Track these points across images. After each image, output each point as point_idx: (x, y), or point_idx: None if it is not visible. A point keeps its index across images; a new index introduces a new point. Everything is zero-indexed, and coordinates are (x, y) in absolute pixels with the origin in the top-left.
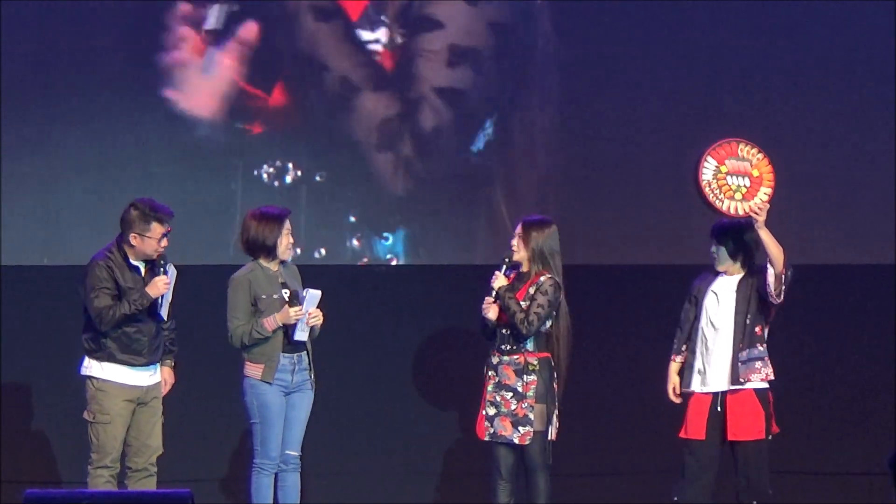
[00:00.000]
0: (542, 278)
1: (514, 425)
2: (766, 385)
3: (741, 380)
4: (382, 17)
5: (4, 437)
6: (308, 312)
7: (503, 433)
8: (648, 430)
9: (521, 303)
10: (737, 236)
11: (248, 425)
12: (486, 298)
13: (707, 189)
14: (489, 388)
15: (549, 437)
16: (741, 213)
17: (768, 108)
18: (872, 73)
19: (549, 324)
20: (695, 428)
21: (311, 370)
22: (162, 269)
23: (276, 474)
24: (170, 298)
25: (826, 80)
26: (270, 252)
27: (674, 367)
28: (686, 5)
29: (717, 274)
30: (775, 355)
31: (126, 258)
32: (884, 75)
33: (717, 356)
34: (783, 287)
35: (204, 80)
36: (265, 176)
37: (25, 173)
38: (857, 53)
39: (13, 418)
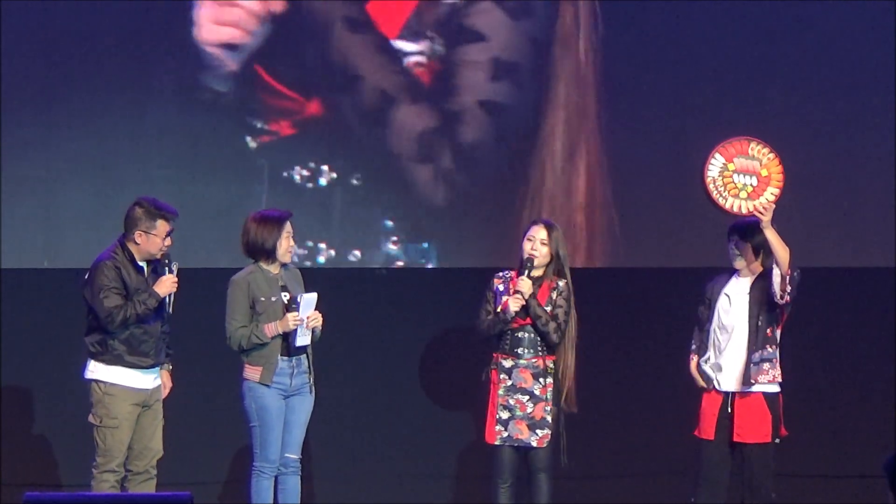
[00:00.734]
0: (562, 283)
1: (532, 428)
2: (775, 387)
3: (751, 381)
4: (423, 29)
5: (4, 439)
6: (307, 317)
7: (519, 436)
8: (656, 431)
9: (546, 308)
10: (761, 235)
11: (247, 428)
12: (512, 297)
13: (711, 186)
14: (500, 391)
15: (561, 440)
16: (745, 211)
17: (768, 109)
18: (873, 75)
19: None
20: (706, 428)
21: (310, 373)
22: (168, 268)
23: (277, 477)
24: (173, 298)
25: (826, 82)
26: (270, 255)
27: (693, 364)
28: (685, 6)
29: (730, 276)
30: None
31: (131, 258)
32: (884, 76)
33: (729, 358)
34: (789, 288)
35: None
36: (297, 177)
37: (25, 176)
38: (858, 54)
39: (13, 421)
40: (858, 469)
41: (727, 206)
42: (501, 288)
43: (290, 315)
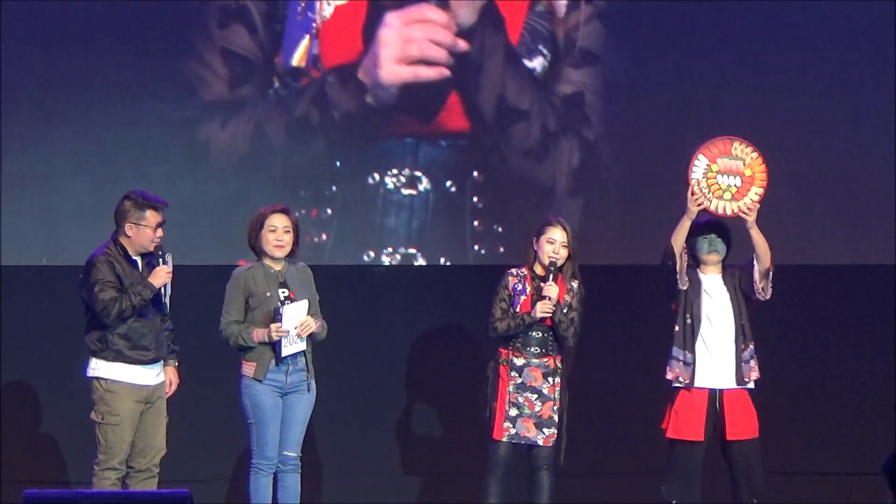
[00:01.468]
0: (575, 284)
1: (539, 427)
2: (753, 383)
3: (745, 379)
4: (540, 46)
5: (5, 437)
6: (296, 327)
7: (526, 434)
8: (644, 429)
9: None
10: (728, 232)
11: (245, 425)
12: (542, 302)
13: (696, 188)
14: (510, 388)
15: (562, 440)
16: (729, 212)
17: (767, 107)
18: (872, 73)
19: None
20: (692, 429)
21: (308, 372)
22: (161, 259)
23: (276, 475)
24: (170, 290)
25: (826, 79)
26: (258, 251)
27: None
28: (685, 6)
29: (695, 270)
30: (776, 356)
31: (125, 253)
32: (884, 73)
33: (717, 354)
34: (770, 284)
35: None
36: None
37: (25, 173)
38: (857, 53)
39: (13, 418)
40: (858, 467)
41: (712, 208)
42: (519, 287)
43: (273, 326)
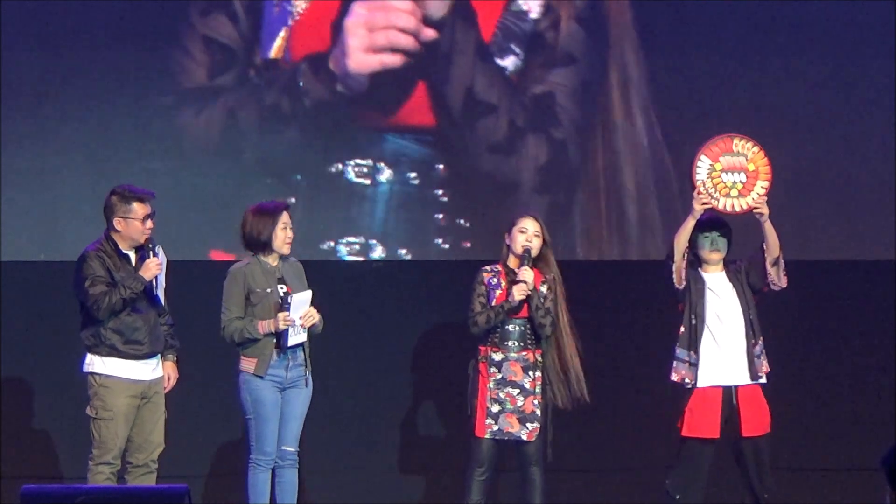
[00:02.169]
0: (549, 275)
1: (522, 422)
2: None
3: (758, 375)
4: (512, 45)
5: (3, 432)
6: (300, 317)
7: (509, 430)
8: (643, 425)
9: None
10: (728, 230)
11: (244, 421)
12: (516, 287)
13: (702, 188)
14: (490, 384)
15: (548, 433)
16: (738, 209)
17: (767, 103)
18: (872, 70)
19: None
20: (708, 426)
21: (306, 367)
22: (151, 252)
23: (274, 470)
24: (163, 283)
25: (825, 75)
26: (265, 247)
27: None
28: (685, 4)
29: (697, 269)
30: (776, 351)
31: (116, 248)
32: (884, 69)
33: (728, 351)
34: (784, 273)
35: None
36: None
37: (22, 168)
38: (857, 49)
39: (12, 414)
40: (858, 462)
41: (720, 207)
42: (494, 281)
43: (280, 315)
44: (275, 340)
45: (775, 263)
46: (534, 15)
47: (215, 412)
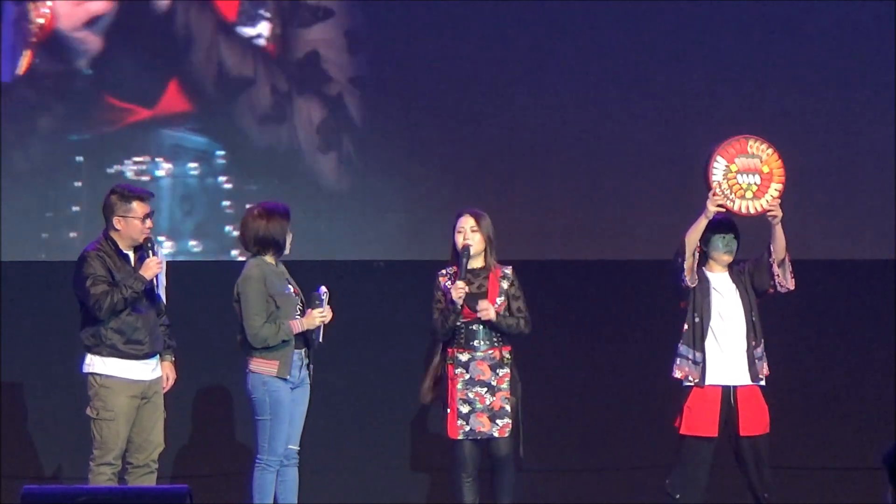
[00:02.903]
0: (508, 270)
1: (492, 419)
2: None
3: (759, 376)
4: (262, 12)
5: (3, 433)
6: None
7: (481, 429)
8: (643, 425)
9: (498, 300)
10: (738, 232)
11: (253, 421)
12: (453, 287)
13: (718, 190)
14: (458, 385)
15: (520, 431)
16: (752, 211)
17: (767, 103)
18: (872, 69)
19: None
20: (706, 425)
21: (309, 365)
22: (151, 251)
23: (276, 470)
24: (164, 282)
25: (826, 75)
26: (280, 248)
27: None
28: (685, 4)
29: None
30: (776, 351)
31: (116, 247)
32: (883, 68)
33: (729, 351)
34: (791, 274)
35: None
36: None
37: (24, 168)
38: (857, 51)
39: (12, 414)
40: (858, 462)
41: (735, 209)
42: (449, 284)
43: (315, 312)
44: (295, 340)
45: (781, 264)
46: None
47: (216, 412)
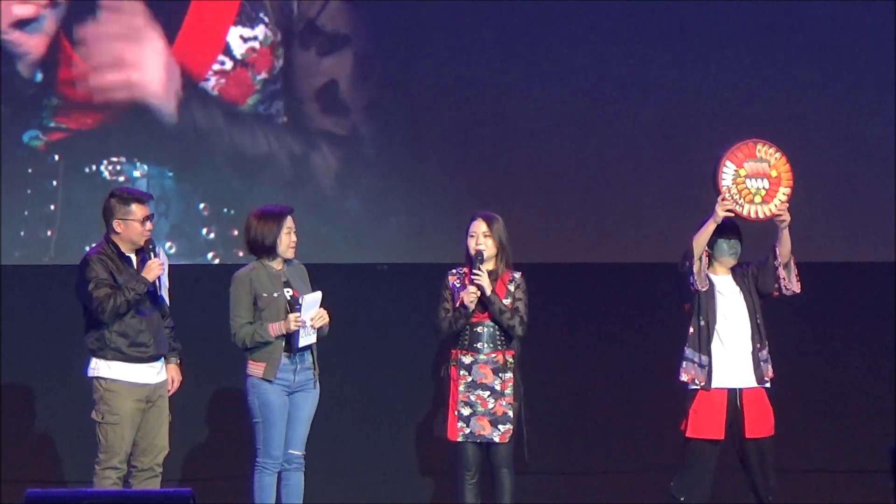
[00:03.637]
0: (517, 275)
1: (494, 424)
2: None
3: (764, 379)
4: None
5: (5, 436)
6: (311, 318)
7: (482, 432)
8: (648, 427)
9: (505, 301)
10: (741, 236)
11: (250, 424)
12: (465, 292)
13: (727, 195)
14: (460, 388)
15: (524, 435)
16: (761, 216)
17: (768, 105)
18: (872, 70)
19: None
20: (713, 427)
21: (315, 369)
22: (152, 253)
23: (280, 473)
24: (167, 283)
25: (826, 77)
26: (271, 251)
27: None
28: (690, 7)
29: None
30: (777, 353)
31: (118, 250)
32: (884, 70)
33: (734, 353)
34: (797, 277)
35: None
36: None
37: (25, 171)
38: (857, 51)
39: (14, 417)
40: (858, 464)
41: (744, 213)
42: (458, 284)
43: (291, 316)
44: (284, 343)
45: (786, 267)
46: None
47: (221, 416)
